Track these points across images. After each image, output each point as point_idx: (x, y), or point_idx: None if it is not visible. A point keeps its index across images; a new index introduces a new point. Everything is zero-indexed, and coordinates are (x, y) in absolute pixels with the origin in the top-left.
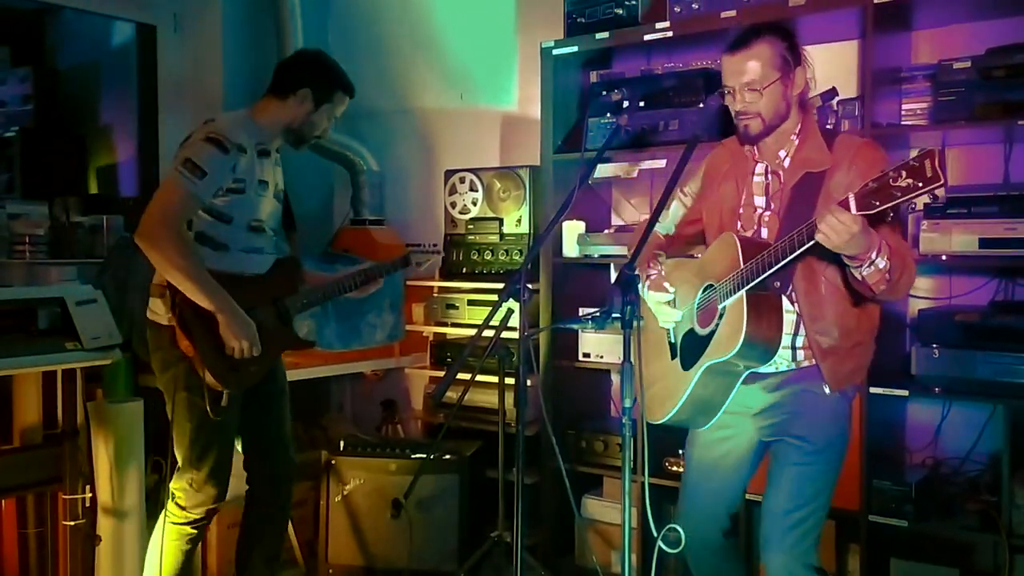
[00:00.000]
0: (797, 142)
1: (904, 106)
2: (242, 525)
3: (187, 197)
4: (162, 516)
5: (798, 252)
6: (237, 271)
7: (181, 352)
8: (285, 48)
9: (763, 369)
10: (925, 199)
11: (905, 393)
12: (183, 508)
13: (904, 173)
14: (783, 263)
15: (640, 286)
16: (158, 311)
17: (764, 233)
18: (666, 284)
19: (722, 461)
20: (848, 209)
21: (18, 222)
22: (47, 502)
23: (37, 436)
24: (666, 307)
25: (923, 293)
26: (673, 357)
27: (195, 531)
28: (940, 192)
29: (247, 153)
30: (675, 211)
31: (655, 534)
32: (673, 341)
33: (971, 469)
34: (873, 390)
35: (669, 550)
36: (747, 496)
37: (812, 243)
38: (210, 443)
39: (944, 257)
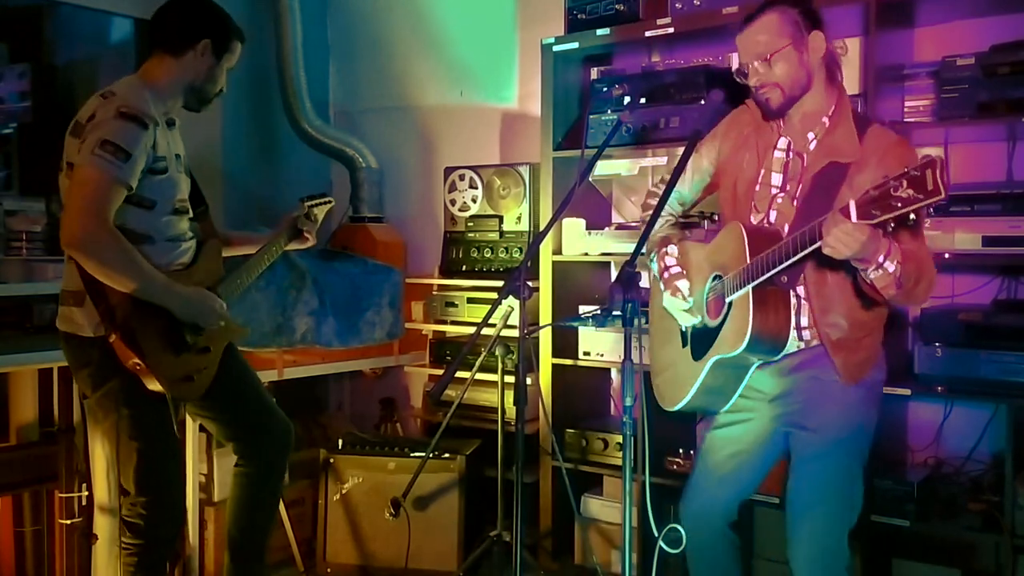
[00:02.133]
0: (828, 125)
1: (907, 103)
2: (238, 501)
3: (113, 184)
4: (116, 551)
5: (801, 255)
6: (163, 264)
7: (119, 366)
8: (284, 45)
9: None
10: None
11: (907, 392)
12: (142, 535)
13: (905, 183)
14: (786, 264)
15: (656, 269)
16: (78, 321)
17: (773, 216)
18: (684, 288)
19: (739, 448)
20: (849, 216)
21: (15, 218)
22: (43, 500)
23: (33, 434)
24: (683, 313)
25: None
26: (684, 345)
27: (159, 554)
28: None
29: (160, 126)
30: (691, 179)
31: (656, 534)
32: (683, 329)
33: (973, 469)
34: None
35: (670, 550)
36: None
37: (816, 246)
38: (163, 460)
39: (947, 255)
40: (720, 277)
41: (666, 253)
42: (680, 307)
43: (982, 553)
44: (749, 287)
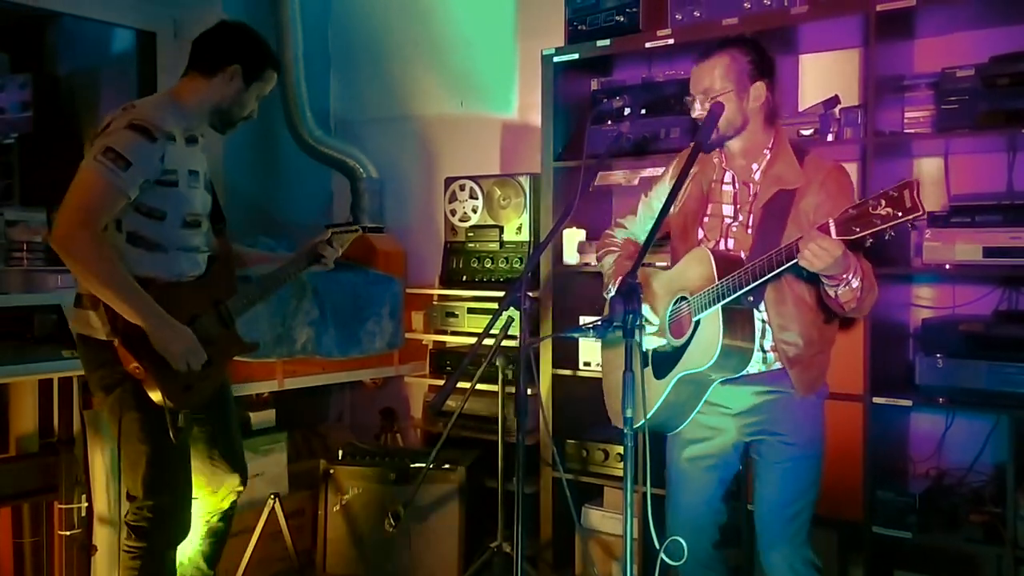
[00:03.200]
0: (769, 156)
1: (907, 114)
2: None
3: (108, 191)
4: (119, 558)
5: (777, 271)
6: (176, 274)
7: (127, 371)
8: (285, 56)
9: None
10: (935, 201)
11: (908, 403)
12: (147, 539)
13: (883, 202)
14: (763, 280)
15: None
16: (94, 325)
17: (731, 244)
18: (648, 314)
19: (706, 472)
20: (828, 234)
21: (16, 229)
22: (43, 511)
23: (33, 445)
24: (650, 336)
25: (926, 303)
26: (644, 366)
27: (164, 559)
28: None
29: (176, 141)
30: (643, 217)
31: (657, 546)
32: (644, 350)
33: (975, 480)
34: (876, 400)
35: (671, 562)
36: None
37: (792, 263)
38: (171, 465)
39: (947, 266)
40: (685, 299)
41: (617, 280)
42: (647, 330)
43: (984, 565)
44: (719, 305)
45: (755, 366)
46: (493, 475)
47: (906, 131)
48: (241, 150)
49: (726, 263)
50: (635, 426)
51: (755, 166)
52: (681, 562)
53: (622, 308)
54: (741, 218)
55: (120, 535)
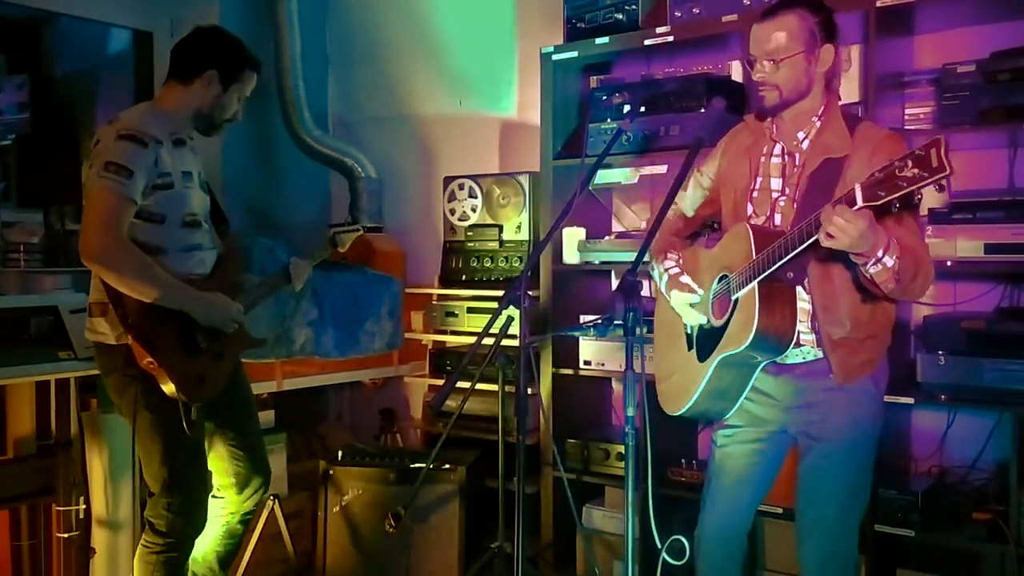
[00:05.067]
0: (819, 124)
1: (907, 111)
2: (212, 536)
3: (121, 201)
4: (140, 547)
5: (805, 245)
6: (180, 274)
7: (139, 370)
8: (283, 55)
9: (792, 360)
10: (936, 197)
11: (910, 400)
12: (164, 535)
13: (910, 163)
14: (791, 255)
15: (657, 276)
16: (103, 331)
17: (778, 219)
18: (690, 282)
19: (756, 467)
20: (855, 200)
21: (13, 230)
22: (41, 514)
23: (31, 447)
24: (690, 309)
25: (927, 299)
26: (689, 348)
27: (179, 555)
28: (946, 183)
29: (164, 144)
30: (693, 193)
31: (659, 545)
32: (689, 332)
33: (978, 478)
34: None
35: (673, 561)
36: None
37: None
38: (186, 462)
39: (949, 263)
40: (726, 277)
41: (665, 258)
42: (688, 300)
43: (987, 563)
44: (755, 283)
45: (811, 353)
46: (494, 475)
47: (907, 127)
48: (239, 150)
49: (765, 237)
50: (679, 411)
51: (801, 134)
52: (683, 561)
53: (622, 306)
54: (788, 191)
55: (118, 535)
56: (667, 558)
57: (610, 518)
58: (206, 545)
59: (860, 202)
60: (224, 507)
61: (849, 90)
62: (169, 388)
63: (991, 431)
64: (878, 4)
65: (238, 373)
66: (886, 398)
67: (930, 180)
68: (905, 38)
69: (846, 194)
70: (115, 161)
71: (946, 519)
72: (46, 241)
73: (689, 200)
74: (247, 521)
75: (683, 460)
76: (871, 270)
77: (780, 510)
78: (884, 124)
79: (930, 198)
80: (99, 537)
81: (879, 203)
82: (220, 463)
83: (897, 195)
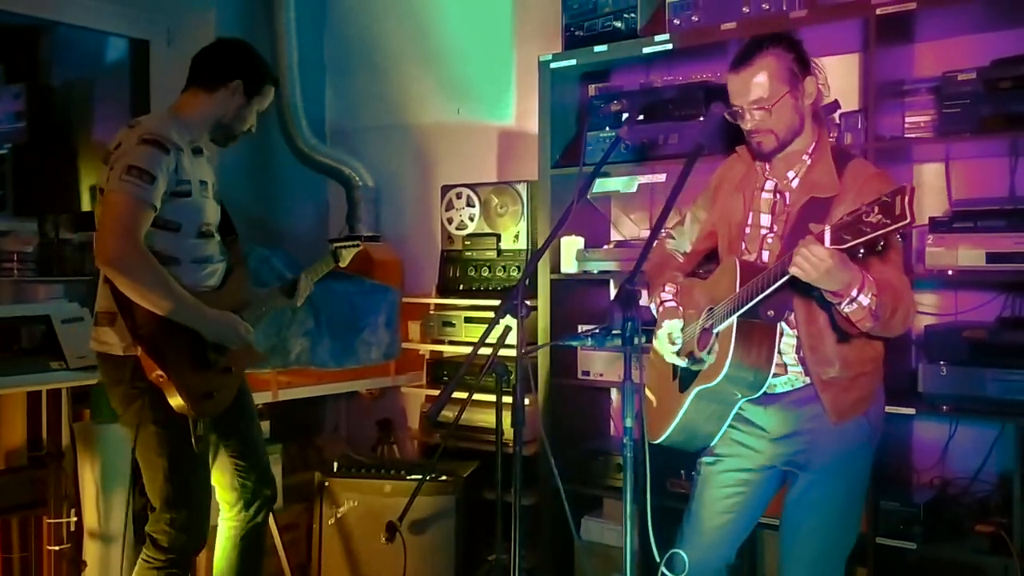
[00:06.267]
0: (809, 163)
1: (907, 119)
2: (227, 556)
3: (140, 206)
4: (140, 562)
5: (779, 283)
6: (189, 285)
7: (146, 382)
8: (280, 64)
9: (780, 388)
10: (937, 206)
11: (912, 411)
12: (165, 550)
13: (876, 208)
14: (769, 291)
15: (654, 308)
16: (110, 341)
17: (766, 256)
18: (672, 327)
19: (737, 501)
20: (823, 241)
21: (7, 239)
22: (31, 526)
23: (22, 458)
24: (672, 354)
25: (929, 309)
26: (674, 378)
27: (178, 571)
28: (906, 232)
29: (184, 152)
30: (690, 228)
31: (658, 559)
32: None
33: (980, 489)
34: None
35: (671, 575)
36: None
37: (791, 275)
38: (188, 478)
39: (950, 272)
40: (712, 309)
41: (663, 289)
42: (670, 349)
43: None
44: (734, 318)
45: (799, 380)
46: (491, 486)
47: (907, 136)
48: (237, 159)
49: (749, 272)
50: (657, 440)
51: (791, 173)
52: (682, 575)
53: (620, 315)
54: (777, 228)
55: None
56: (666, 572)
57: (608, 530)
58: (225, 564)
59: (828, 243)
60: (226, 520)
61: (849, 98)
62: (178, 402)
63: (993, 442)
64: (878, 12)
65: (242, 386)
66: (888, 409)
67: (892, 228)
68: (905, 46)
69: (817, 233)
70: (137, 165)
71: (948, 531)
72: (40, 250)
73: (686, 234)
74: (260, 532)
75: (682, 472)
76: (846, 309)
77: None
78: (884, 133)
79: (930, 209)
80: (90, 550)
81: (845, 247)
82: (223, 477)
83: (861, 240)
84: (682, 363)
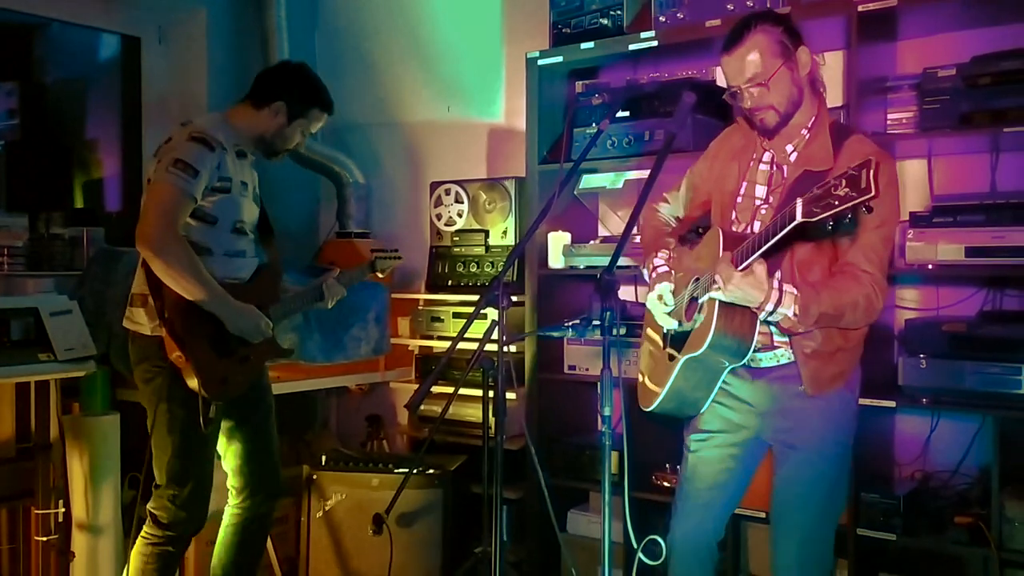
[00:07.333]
0: (808, 136)
1: (890, 115)
2: (226, 542)
3: (182, 197)
4: (139, 539)
5: (763, 249)
6: (219, 276)
7: (168, 363)
8: (270, 61)
9: (766, 363)
10: (919, 200)
11: (892, 404)
12: (164, 527)
13: (844, 182)
14: (750, 260)
15: (646, 273)
16: (140, 321)
17: (757, 227)
18: (664, 290)
19: (730, 474)
20: (795, 215)
21: None
22: (19, 517)
23: (10, 450)
24: (665, 316)
25: (910, 303)
26: (664, 347)
27: (175, 550)
28: (872, 205)
29: (228, 152)
30: (684, 194)
31: (635, 545)
32: (666, 332)
33: (960, 482)
34: (860, 401)
35: (650, 562)
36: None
37: (772, 243)
38: (195, 458)
39: (930, 266)
40: (698, 280)
41: (656, 255)
42: (661, 310)
43: (970, 567)
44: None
45: (785, 356)
46: (478, 480)
47: (889, 132)
48: None
49: (732, 242)
50: (649, 408)
51: (790, 147)
52: (659, 562)
53: (599, 305)
54: (772, 200)
55: (98, 540)
56: (643, 558)
57: (594, 523)
58: (225, 554)
59: (800, 217)
60: (231, 506)
61: (832, 95)
62: (193, 383)
63: (974, 435)
64: (860, 9)
65: (262, 380)
66: (868, 402)
67: (857, 200)
68: (887, 43)
69: (789, 207)
70: (184, 159)
71: (929, 523)
72: (30, 245)
73: (680, 199)
74: (264, 524)
75: (667, 465)
76: (770, 319)
77: (763, 514)
78: (868, 129)
79: (912, 204)
80: (78, 541)
81: (814, 220)
82: (233, 462)
83: (829, 213)
84: (673, 324)
